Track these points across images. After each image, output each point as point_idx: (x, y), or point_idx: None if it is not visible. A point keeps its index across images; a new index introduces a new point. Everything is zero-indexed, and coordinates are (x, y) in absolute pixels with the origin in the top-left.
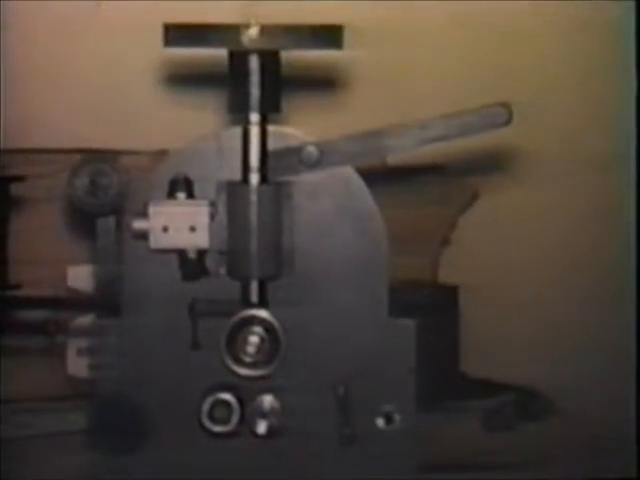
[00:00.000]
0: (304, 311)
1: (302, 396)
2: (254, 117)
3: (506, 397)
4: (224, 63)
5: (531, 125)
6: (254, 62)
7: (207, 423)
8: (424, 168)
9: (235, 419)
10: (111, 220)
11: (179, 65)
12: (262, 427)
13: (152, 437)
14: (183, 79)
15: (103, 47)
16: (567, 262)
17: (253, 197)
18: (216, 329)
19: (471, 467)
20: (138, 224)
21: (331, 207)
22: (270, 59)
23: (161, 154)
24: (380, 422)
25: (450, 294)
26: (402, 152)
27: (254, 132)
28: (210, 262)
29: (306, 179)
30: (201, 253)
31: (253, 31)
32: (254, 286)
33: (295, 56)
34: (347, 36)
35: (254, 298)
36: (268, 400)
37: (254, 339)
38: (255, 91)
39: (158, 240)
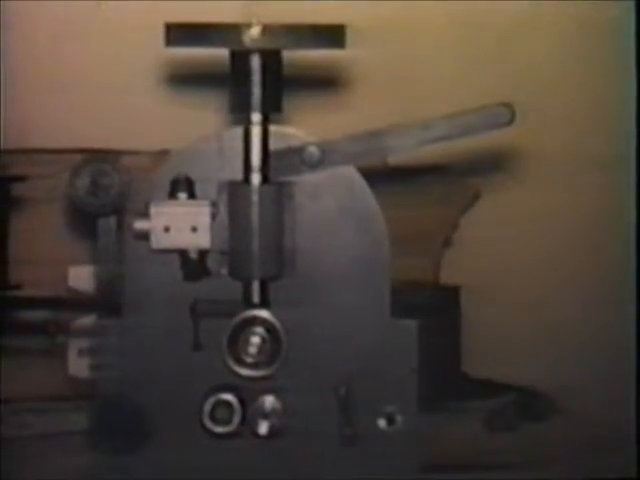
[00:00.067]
0: (306, 311)
1: (303, 397)
2: (255, 117)
3: (507, 397)
4: (225, 63)
5: (532, 125)
6: (255, 62)
7: (209, 424)
8: (426, 168)
9: (236, 420)
10: (112, 220)
11: (180, 65)
12: (264, 428)
13: (153, 438)
14: (184, 79)
15: (104, 47)
16: (568, 262)
17: (254, 197)
18: (218, 329)
19: (472, 467)
20: (139, 224)
21: (333, 207)
22: (272, 59)
23: (162, 154)
24: (382, 423)
25: (452, 295)
26: (404, 152)
27: (255, 132)
28: (211, 262)
29: (308, 179)
30: (202, 253)
31: (255, 31)
32: (256, 286)
33: (296, 56)
34: (348, 36)
35: (256, 298)
36: (270, 401)
37: (256, 339)
38: (256, 91)
39: (159, 240)
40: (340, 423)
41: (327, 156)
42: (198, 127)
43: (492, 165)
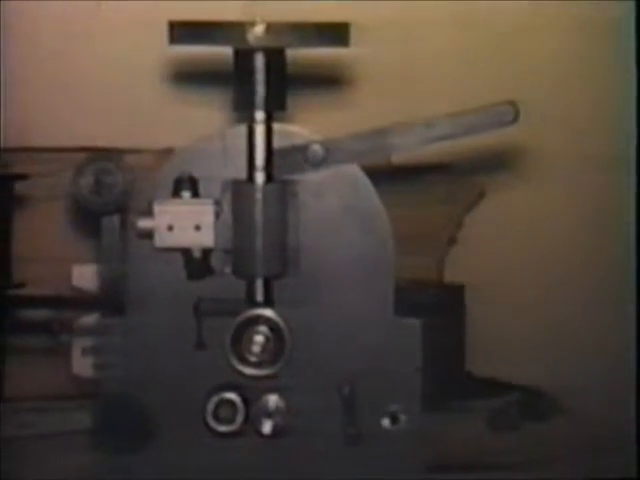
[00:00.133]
0: (309, 310)
1: (307, 396)
2: (259, 115)
3: (511, 397)
4: (229, 61)
5: (532, 124)
6: (259, 60)
7: (212, 423)
8: (430, 167)
9: (240, 419)
10: (116, 219)
11: (184, 63)
12: (267, 427)
13: (157, 437)
14: (188, 77)
15: (106, 46)
16: (570, 262)
17: (258, 196)
18: (221, 328)
19: (475, 467)
20: (143, 223)
21: (337, 206)
22: (276, 57)
23: (166, 153)
24: (386, 422)
25: (456, 293)
26: (408, 151)
27: (259, 130)
28: (215, 261)
29: (311, 178)
30: (206, 252)
31: (259, 29)
32: (259, 285)
33: (300, 54)
34: (352, 34)
35: (259, 297)
36: (273, 400)
37: (259, 338)
38: (260, 89)
39: (163, 239)
40: (344, 422)
41: (331, 154)
42: (202, 125)
43: (492, 164)
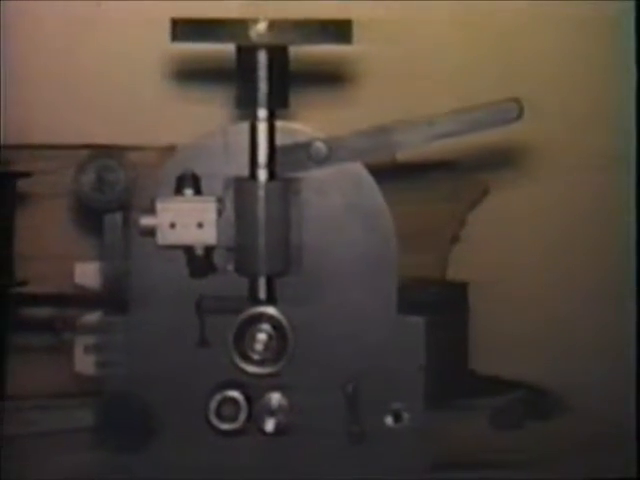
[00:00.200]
0: (312, 308)
1: (310, 394)
2: (262, 113)
3: (515, 395)
4: (232, 58)
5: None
6: (262, 57)
7: (215, 421)
8: (434, 164)
9: (243, 417)
10: (118, 216)
11: (186, 60)
12: (270, 425)
13: (159, 435)
14: (190, 74)
15: (108, 43)
16: (573, 259)
17: (261, 193)
18: (224, 326)
19: (478, 465)
20: (145, 220)
21: (340, 203)
22: (278, 54)
23: (168, 150)
24: (389, 420)
25: (459, 291)
26: (411, 148)
27: (262, 128)
28: (218, 259)
29: (314, 175)
30: (208, 249)
31: (261, 26)
32: (262, 283)
33: (303, 51)
34: (355, 31)
35: (262, 295)
36: (276, 398)
37: (262, 336)
38: (263, 86)
39: (165, 236)
40: (347, 420)
41: (334, 152)
42: (204, 123)
43: (495, 161)
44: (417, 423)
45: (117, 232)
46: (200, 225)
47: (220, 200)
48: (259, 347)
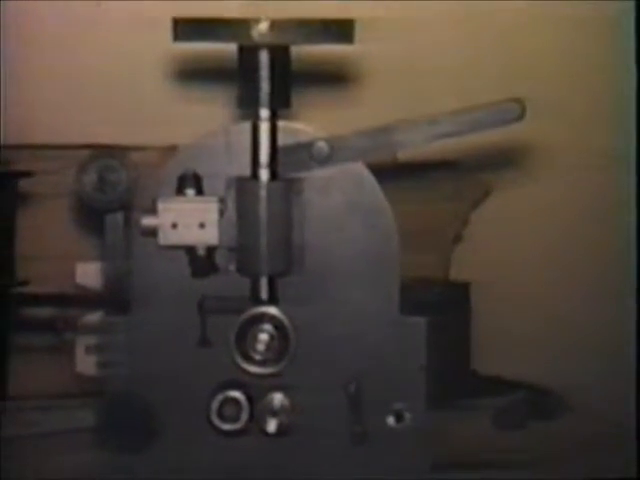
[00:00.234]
0: (314, 308)
1: (312, 394)
2: (264, 113)
3: (517, 395)
4: (233, 58)
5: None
6: (264, 57)
7: (216, 421)
8: (436, 164)
9: (244, 417)
10: (119, 216)
11: (188, 60)
12: (272, 425)
13: (161, 435)
14: (192, 74)
15: (110, 43)
16: (575, 258)
17: (263, 193)
18: (225, 326)
19: (478, 465)
20: (147, 220)
21: (342, 203)
22: (280, 54)
23: (170, 150)
24: (391, 420)
25: (461, 291)
26: (413, 148)
27: (264, 128)
28: (219, 259)
29: (316, 175)
30: (210, 250)
31: (263, 26)
32: (264, 283)
33: (305, 51)
34: (357, 31)
35: (264, 295)
36: (278, 398)
37: (264, 336)
38: (265, 86)
39: (167, 237)
40: (349, 420)
41: (336, 152)
42: (206, 123)
43: (497, 161)
44: (419, 423)
45: (118, 232)
46: (202, 225)
47: (222, 200)
48: (261, 347)
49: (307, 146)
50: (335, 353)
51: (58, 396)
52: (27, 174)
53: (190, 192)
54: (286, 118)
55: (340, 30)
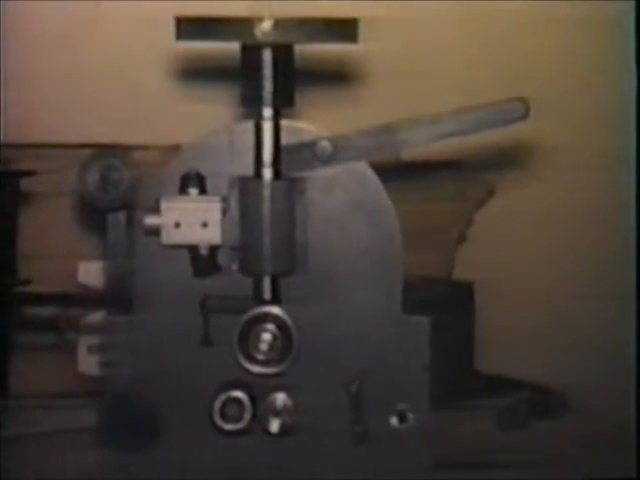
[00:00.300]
0: (317, 308)
1: (315, 394)
2: (267, 112)
3: (520, 395)
4: (236, 56)
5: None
6: (267, 56)
7: (219, 421)
8: (439, 163)
9: (247, 417)
10: (122, 215)
11: (191, 59)
12: (275, 425)
13: (163, 435)
14: (194, 73)
15: (113, 42)
16: (576, 257)
17: (266, 192)
18: (228, 326)
19: (479, 465)
20: (150, 220)
21: (345, 203)
22: (283, 53)
23: (173, 149)
24: (393, 420)
25: (465, 291)
26: (417, 147)
27: (267, 127)
28: (222, 258)
29: (320, 174)
30: (213, 249)
31: (266, 24)
32: (267, 282)
33: (308, 50)
34: (361, 30)
35: (267, 295)
36: (281, 398)
37: (267, 336)
38: (268, 85)
39: (170, 236)
40: (351, 420)
41: (339, 151)
42: (208, 122)
43: (500, 161)
44: (422, 423)
45: (121, 231)
46: (205, 225)
47: (225, 199)
48: (264, 347)
49: (310, 145)
50: (338, 353)
51: (60, 396)
52: (29, 173)
53: (193, 191)
54: (289, 117)
55: (344, 29)
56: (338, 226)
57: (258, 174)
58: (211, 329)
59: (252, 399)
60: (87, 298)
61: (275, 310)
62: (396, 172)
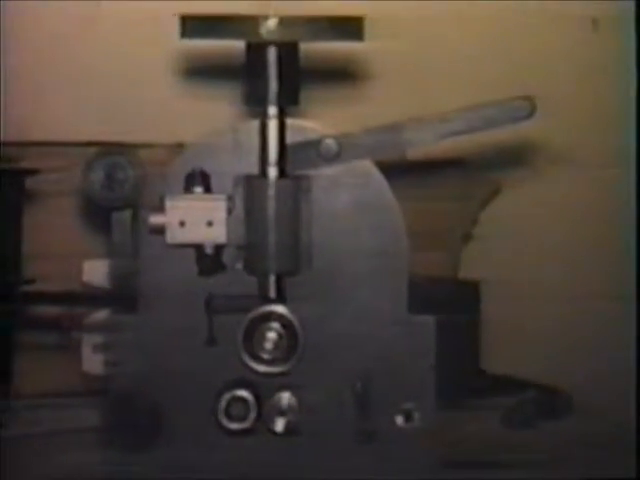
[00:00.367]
0: (322, 306)
1: (320, 393)
2: (272, 110)
3: (526, 395)
4: (241, 55)
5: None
6: (272, 54)
7: (224, 420)
8: (445, 162)
9: (252, 416)
10: (127, 214)
11: (195, 57)
12: (280, 425)
13: (167, 434)
14: (199, 71)
15: (117, 41)
16: (578, 257)
17: (271, 191)
18: (233, 325)
19: (488, 465)
20: (154, 219)
21: (350, 201)
22: (288, 51)
23: (178, 147)
24: (399, 420)
25: (471, 290)
26: (422, 146)
27: (272, 126)
28: (227, 257)
29: (325, 173)
30: (218, 248)
31: (271, 22)
32: (272, 281)
33: (313, 48)
34: (366, 28)
35: (272, 293)
36: (286, 397)
37: (272, 335)
38: (273, 84)
39: (175, 235)
40: (357, 420)
41: (345, 150)
42: (213, 120)
43: (506, 159)
44: (427, 423)
45: (126, 230)
46: (210, 223)
47: (230, 198)
48: (269, 346)
49: (315, 144)
50: (343, 352)
51: (65, 395)
52: (34, 172)
53: (198, 190)
54: (294, 115)
55: (349, 27)
56: (343, 225)
57: (263, 173)
58: (216, 328)
59: (257, 398)
60: (91, 297)
61: (280, 309)
62: (401, 171)
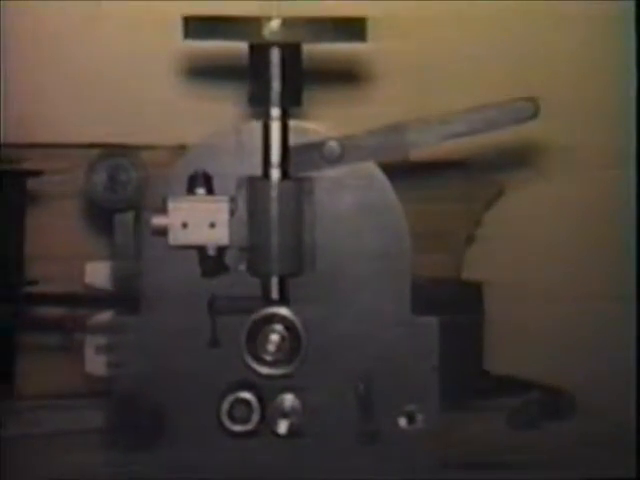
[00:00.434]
0: (325, 308)
1: (323, 395)
2: (275, 112)
3: (530, 395)
4: (244, 56)
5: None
6: (275, 55)
7: (227, 422)
8: (448, 164)
9: (255, 418)
10: (129, 216)
11: (198, 58)
12: (283, 426)
13: (170, 436)
14: (202, 73)
15: (119, 41)
16: (578, 257)
17: (274, 193)
18: (236, 326)
19: (492, 466)
20: (157, 220)
21: (353, 203)
22: (291, 52)
23: (180, 149)
24: (402, 421)
25: (474, 291)
26: (425, 147)
27: (275, 127)
28: (230, 258)
29: (328, 175)
30: (221, 249)
31: (274, 23)
32: (275, 283)
33: (317, 49)
34: (369, 29)
35: (275, 295)
36: (289, 399)
37: (274, 337)
38: (276, 85)
39: (177, 236)
40: (360, 422)
41: (347, 151)
42: (216, 121)
43: (510, 161)
44: (431, 424)
45: (128, 232)
46: (212, 225)
47: (233, 200)
48: (271, 348)
49: (318, 145)
50: (346, 354)
51: (67, 396)
52: (37, 173)
53: (201, 191)
54: (297, 117)
55: (352, 28)
56: (346, 226)
57: (266, 174)
58: (219, 329)
59: (260, 400)
60: (94, 298)
61: (283, 311)
62: (404, 172)
